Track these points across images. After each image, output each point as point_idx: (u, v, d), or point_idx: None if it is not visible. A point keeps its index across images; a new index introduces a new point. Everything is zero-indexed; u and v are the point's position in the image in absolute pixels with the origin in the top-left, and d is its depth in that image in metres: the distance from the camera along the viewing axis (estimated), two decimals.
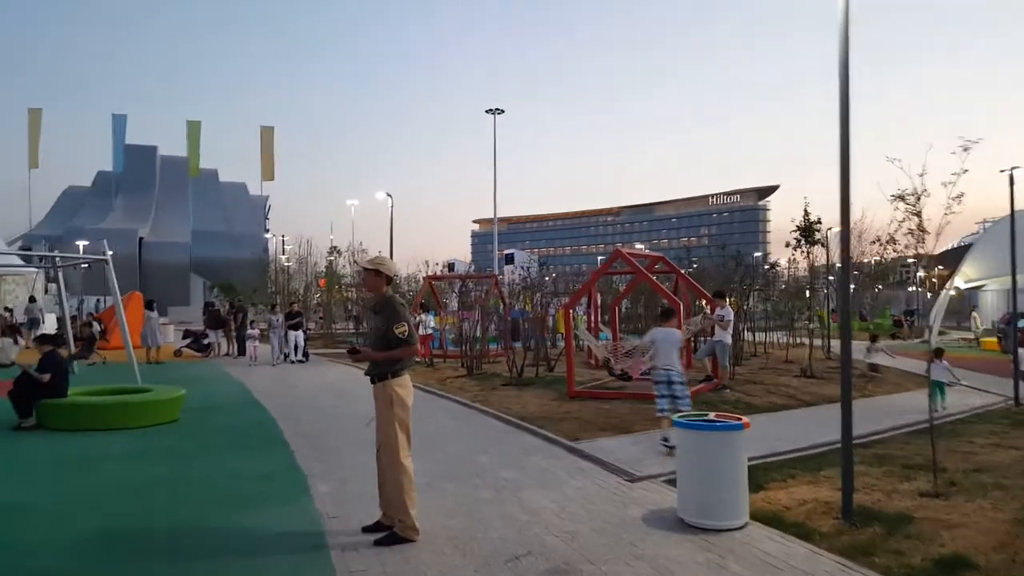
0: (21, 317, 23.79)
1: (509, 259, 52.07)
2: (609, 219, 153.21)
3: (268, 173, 59.05)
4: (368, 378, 4.88)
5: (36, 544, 4.66)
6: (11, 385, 8.84)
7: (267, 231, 63.45)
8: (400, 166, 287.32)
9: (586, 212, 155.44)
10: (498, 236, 59.31)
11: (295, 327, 17.99)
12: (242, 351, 19.58)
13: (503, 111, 52.31)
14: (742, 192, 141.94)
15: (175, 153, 62.92)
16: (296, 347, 17.86)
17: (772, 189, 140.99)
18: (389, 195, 19.18)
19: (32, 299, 24.29)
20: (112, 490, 6.03)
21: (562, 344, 14.74)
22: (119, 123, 55.20)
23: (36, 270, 26.01)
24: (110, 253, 12.77)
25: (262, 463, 7.04)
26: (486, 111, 51.48)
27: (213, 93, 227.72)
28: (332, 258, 29.13)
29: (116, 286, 12.72)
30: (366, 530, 4.87)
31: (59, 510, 5.43)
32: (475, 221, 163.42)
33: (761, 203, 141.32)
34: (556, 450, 7.55)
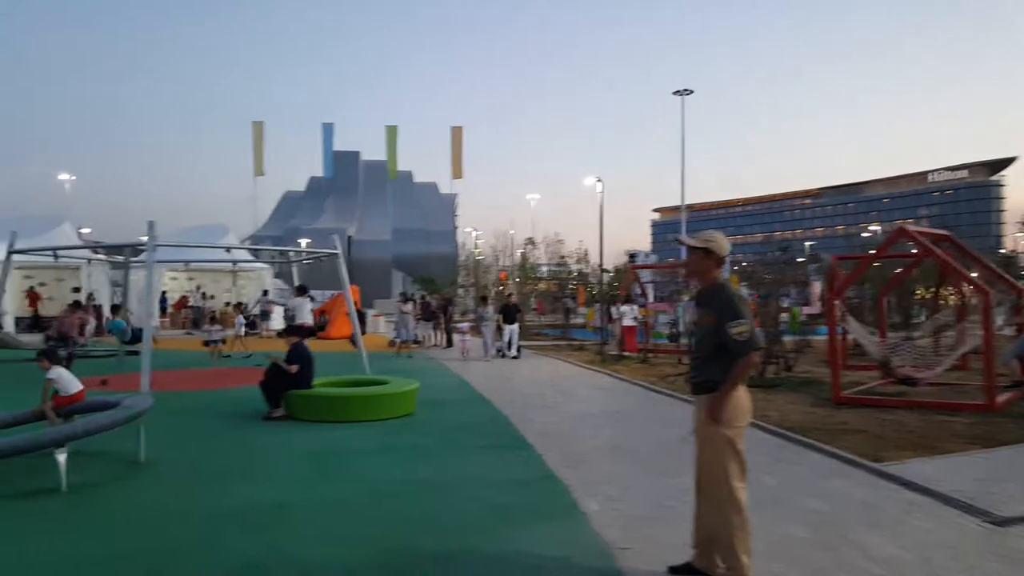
0: (255, 310, 26.13)
1: None
2: (807, 201, 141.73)
3: (458, 171, 61.11)
4: (683, 386, 3.94)
5: (298, 558, 4.27)
6: (263, 375, 9.07)
7: (456, 227, 65.92)
8: (577, 158, 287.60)
9: (779, 195, 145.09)
10: (679, 223, 57.06)
11: (510, 320, 17.10)
12: (450, 343, 19.79)
13: (691, 91, 49.85)
14: (970, 166, 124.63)
15: (374, 157, 67.33)
16: (511, 342, 17.14)
17: (1007, 162, 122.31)
18: (599, 179, 18.33)
19: (264, 292, 26.62)
20: (366, 493, 5.66)
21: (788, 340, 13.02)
22: (327, 131, 60.00)
23: (266, 266, 28.47)
24: (339, 249, 13.14)
25: (513, 468, 6.43)
26: (673, 93, 49.34)
27: (406, 98, 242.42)
28: (526, 249, 28.95)
29: (346, 279, 13.07)
30: (675, 572, 3.95)
31: (317, 516, 5.09)
32: (655, 210, 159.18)
33: (994, 178, 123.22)
34: (859, 473, 6.16)
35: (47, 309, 25.94)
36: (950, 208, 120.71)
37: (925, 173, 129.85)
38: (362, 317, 18.39)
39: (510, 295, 18.87)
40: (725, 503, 3.68)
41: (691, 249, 3.87)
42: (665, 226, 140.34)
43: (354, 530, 4.76)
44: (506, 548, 4.41)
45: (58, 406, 6.90)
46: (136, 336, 14.06)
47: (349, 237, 55.44)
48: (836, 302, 10.38)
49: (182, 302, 29.47)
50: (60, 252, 14.26)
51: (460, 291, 27.37)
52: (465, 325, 17.52)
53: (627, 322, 17.67)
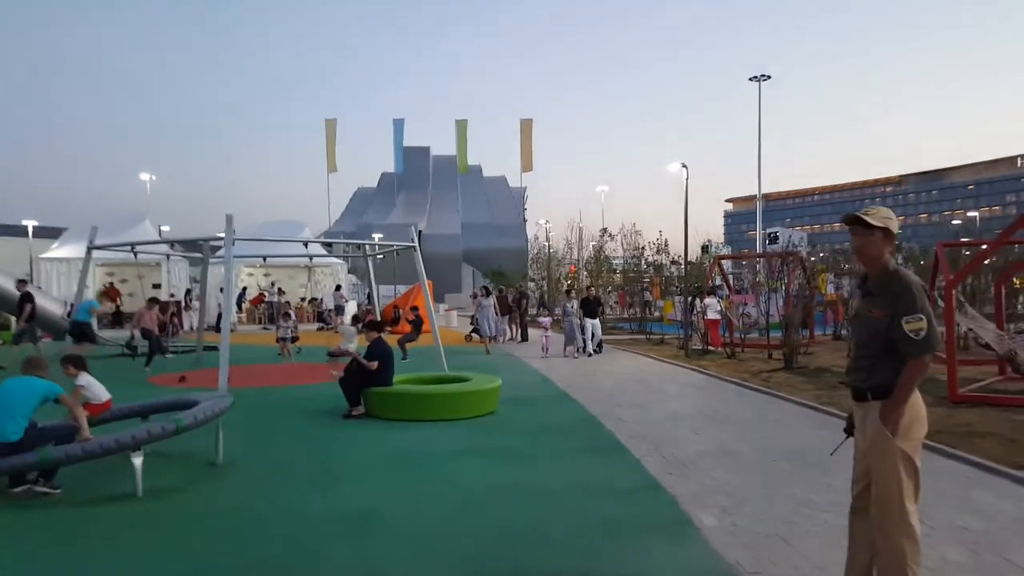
0: (329, 304, 26.36)
1: (773, 238, 47.52)
2: (888, 189, 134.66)
3: (527, 164, 60.61)
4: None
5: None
6: (343, 372, 8.79)
7: (525, 220, 65.49)
8: (648, 148, 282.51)
9: (858, 183, 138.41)
10: (753, 214, 54.70)
11: (591, 315, 15.99)
12: (525, 337, 19.32)
13: (769, 77, 47.80)
14: None
15: (444, 152, 67.61)
16: (593, 335, 15.99)
17: None
18: (684, 166, 17.47)
19: (338, 287, 26.82)
20: (460, 500, 5.21)
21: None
22: (398, 127, 60.49)
23: (340, 261, 28.74)
24: (416, 241, 12.83)
25: (614, 474, 5.86)
26: (750, 79, 47.43)
27: (476, 92, 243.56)
28: (601, 241, 28.04)
29: (423, 270, 12.77)
30: None
31: (409, 526, 4.67)
32: (728, 200, 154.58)
33: None
34: (1002, 483, 5.40)
35: (128, 305, 26.88)
36: None
37: (1014, 158, 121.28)
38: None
39: (590, 287, 17.86)
40: (896, 528, 3.03)
41: (868, 227, 3.19)
42: (738, 216, 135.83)
43: (451, 544, 4.31)
44: (621, 571, 3.86)
45: (91, 415, 6.32)
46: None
47: (420, 232, 55.86)
48: (953, 291, 9.34)
49: (259, 298, 30.09)
50: (139, 248, 14.50)
51: (531, 284, 26.84)
52: (547, 320, 16.51)
53: (711, 315, 16.75)
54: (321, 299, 28.53)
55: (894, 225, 3.19)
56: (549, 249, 33.74)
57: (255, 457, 6.58)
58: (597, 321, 16.26)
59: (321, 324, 25.57)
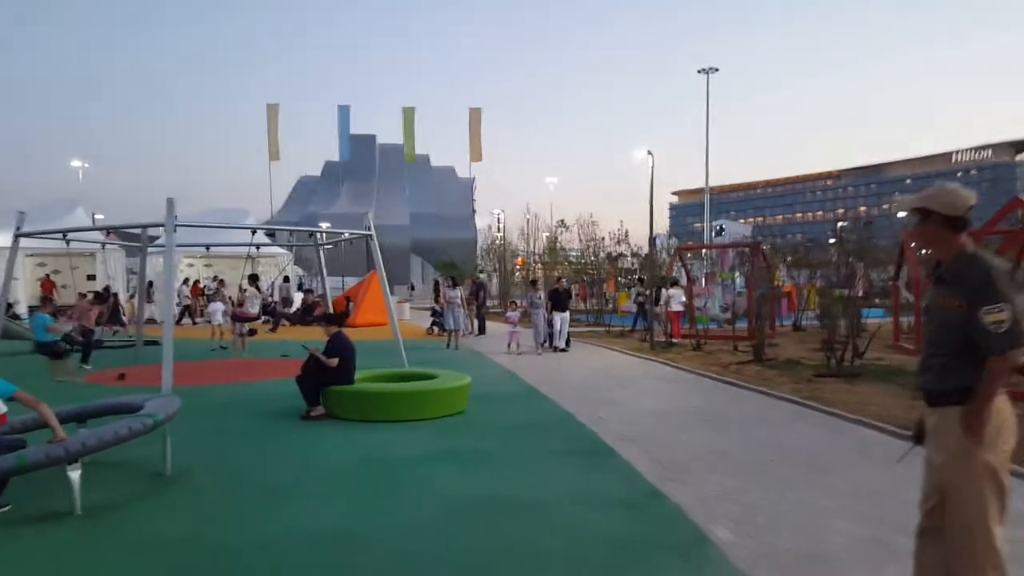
0: (275, 296, 25.24)
1: (719, 231, 48.27)
2: (827, 183, 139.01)
3: (476, 154, 59.86)
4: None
5: None
6: (300, 370, 8.11)
7: (475, 211, 64.86)
8: (594, 139, 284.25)
9: (800, 177, 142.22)
10: (699, 206, 55.39)
11: (560, 308, 14.89)
12: (482, 330, 18.83)
13: (717, 70, 48.37)
14: (994, 146, 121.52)
15: (390, 141, 66.27)
16: (560, 331, 14.89)
17: None
18: (650, 152, 17.23)
19: (286, 279, 25.73)
20: (442, 515, 4.68)
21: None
22: (343, 114, 58.83)
23: (285, 251, 27.57)
24: (372, 230, 12.13)
25: (607, 481, 5.42)
26: (698, 71, 47.87)
27: (422, 80, 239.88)
28: (556, 232, 27.63)
29: (380, 259, 12.12)
30: None
31: (391, 547, 4.12)
32: (673, 193, 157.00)
33: (1019, 158, 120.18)
34: None
35: (63, 298, 25.22)
36: (974, 188, 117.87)
37: (949, 154, 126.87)
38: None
39: (560, 279, 17.03)
40: (979, 554, 2.66)
41: (922, 214, 2.80)
42: (684, 209, 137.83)
43: (444, 569, 3.78)
44: None
45: None
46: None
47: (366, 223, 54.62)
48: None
49: (196, 289, 28.66)
50: (71, 236, 13.36)
51: (482, 276, 26.29)
52: (514, 314, 15.13)
53: (675, 307, 16.54)
54: (270, 290, 27.35)
55: (951, 207, 2.78)
56: (504, 240, 33.24)
57: (207, 467, 5.90)
58: (566, 315, 15.23)
59: (267, 317, 24.49)
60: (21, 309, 22.78)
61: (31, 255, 24.20)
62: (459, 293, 15.86)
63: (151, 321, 20.30)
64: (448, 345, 15.30)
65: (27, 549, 4.15)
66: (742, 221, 78.33)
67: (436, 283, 39.28)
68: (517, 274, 29.19)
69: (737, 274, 19.13)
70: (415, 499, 5.03)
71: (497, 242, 35.48)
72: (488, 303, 23.55)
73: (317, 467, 5.94)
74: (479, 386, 9.19)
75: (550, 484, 5.33)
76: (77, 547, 4.19)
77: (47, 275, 25.93)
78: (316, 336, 14.62)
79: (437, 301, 34.64)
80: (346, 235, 14.23)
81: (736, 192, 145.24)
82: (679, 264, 18.86)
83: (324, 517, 4.66)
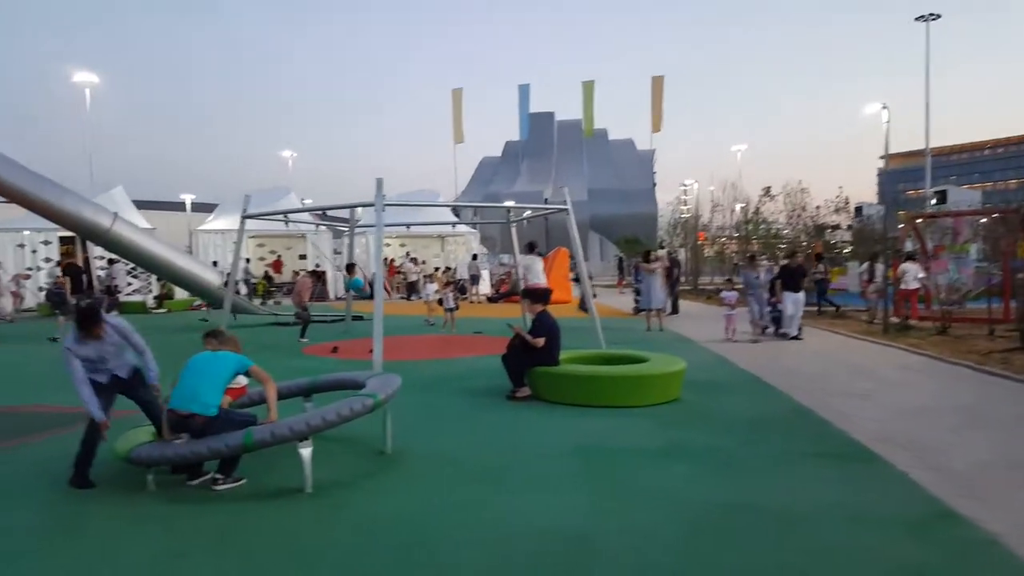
0: (464, 273, 25.94)
1: (941, 198, 42.41)
2: None
3: (657, 124, 57.82)
4: None
5: None
6: (506, 349, 7.88)
7: (655, 184, 62.84)
8: (788, 103, 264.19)
9: None
10: (912, 171, 48.98)
11: (794, 287, 12.51)
12: (676, 309, 17.85)
13: (938, 16, 42.30)
14: None
15: (569, 116, 65.97)
16: (793, 316, 12.58)
17: None
18: (885, 106, 15.19)
19: (474, 256, 26.36)
20: (688, 524, 4.08)
21: None
22: (523, 93, 59.44)
23: (473, 231, 28.27)
24: (569, 204, 11.69)
25: (876, 493, 4.51)
26: (916, 18, 42.16)
27: (600, 52, 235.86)
28: (760, 201, 25.23)
29: (576, 236, 11.69)
30: None
31: (632, 556, 3.62)
32: (881, 157, 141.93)
33: None
34: None
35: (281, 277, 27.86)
36: None
37: None
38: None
39: (795, 254, 14.25)
40: None
41: None
42: (894, 175, 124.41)
43: None
44: None
45: (231, 399, 5.95)
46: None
47: (545, 199, 54.91)
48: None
49: (392, 268, 30.30)
50: (289, 219, 14.43)
51: (673, 253, 25.02)
52: (731, 294, 12.99)
53: (911, 284, 14.42)
54: (455, 269, 28.26)
55: None
56: (695, 213, 31.49)
57: (423, 447, 5.79)
58: (800, 296, 12.71)
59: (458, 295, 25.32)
60: (243, 287, 25.31)
61: (252, 236, 26.83)
62: (658, 269, 14.58)
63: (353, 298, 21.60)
64: (648, 327, 14.27)
65: (263, 525, 4.17)
66: (966, 187, 68.72)
67: (620, 260, 38.49)
68: (708, 250, 27.51)
69: (973, 247, 16.45)
70: (647, 501, 4.48)
71: (685, 215, 33.79)
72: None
73: (530, 453, 5.60)
74: (688, 371, 8.45)
75: (806, 494, 4.53)
76: (310, 525, 4.14)
77: (279, 256, 28.81)
78: (507, 314, 14.71)
79: (621, 280, 33.99)
80: (547, 211, 13.79)
81: (960, 154, 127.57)
82: (914, 235, 16.49)
83: (548, 513, 4.27)
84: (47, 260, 22.23)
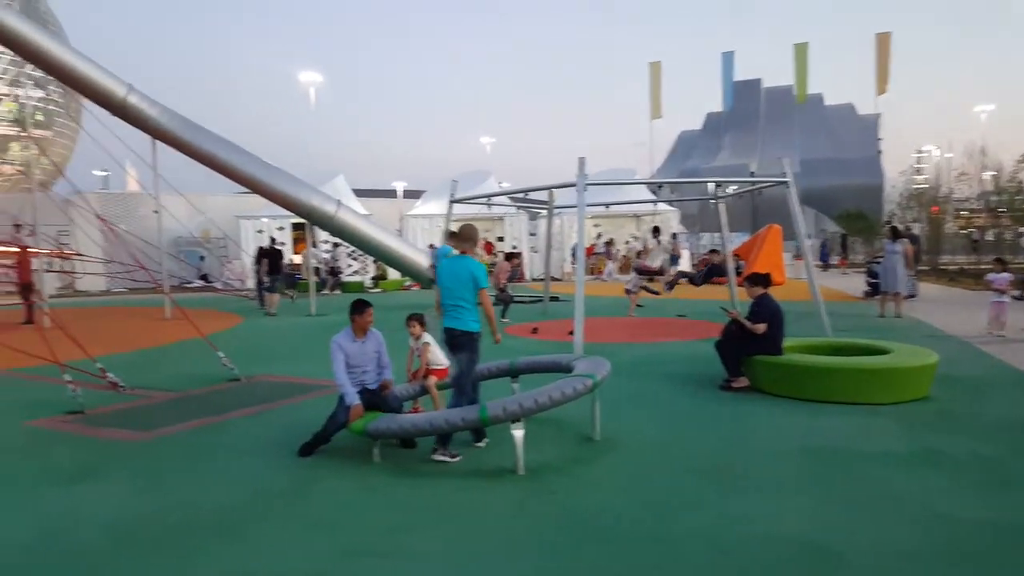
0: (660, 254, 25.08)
1: None
2: None
3: (882, 86, 51.80)
4: None
5: None
6: (721, 334, 7.32)
7: (880, 152, 56.48)
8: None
9: None
10: None
11: None
12: (914, 292, 15.79)
13: None
14: None
15: (777, 83, 61.35)
16: None
17: None
18: None
19: (674, 236, 25.40)
20: (948, 543, 3.44)
21: None
22: (727, 61, 56.17)
23: (673, 209, 27.20)
24: (790, 176, 10.67)
25: None
26: None
27: (813, 11, 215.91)
28: (1017, 168, 21.49)
29: (798, 210, 10.67)
30: None
31: None
32: None
33: None
34: None
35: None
36: None
37: None
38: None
39: None
40: None
41: None
42: None
43: None
44: None
45: (438, 379, 6.02)
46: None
47: (752, 173, 51.78)
48: None
49: (590, 249, 30.21)
50: (492, 201, 14.80)
51: (911, 229, 22.09)
52: (1002, 277, 10.62)
53: None
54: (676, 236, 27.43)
55: None
56: (936, 182, 27.60)
57: (632, 435, 5.52)
58: None
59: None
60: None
61: (454, 220, 28.08)
62: (901, 248, 12.78)
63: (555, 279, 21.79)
64: (882, 313, 12.67)
65: (477, 504, 4.18)
66: None
67: (843, 237, 34.87)
68: (951, 224, 24.00)
69: None
70: (900, 515, 3.84)
71: (921, 186, 29.81)
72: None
73: (752, 450, 5.10)
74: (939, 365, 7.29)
75: None
76: (520, 508, 4.08)
77: (486, 241, 29.94)
78: (714, 296, 13.90)
79: (844, 259, 30.80)
80: (763, 183, 12.76)
81: None
82: None
83: (780, 520, 3.80)
84: (281, 244, 25.04)
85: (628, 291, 14.30)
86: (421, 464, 4.92)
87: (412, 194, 43.35)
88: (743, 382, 6.98)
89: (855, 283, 19.01)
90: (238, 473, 4.84)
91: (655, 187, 28.06)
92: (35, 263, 14.91)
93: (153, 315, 15.63)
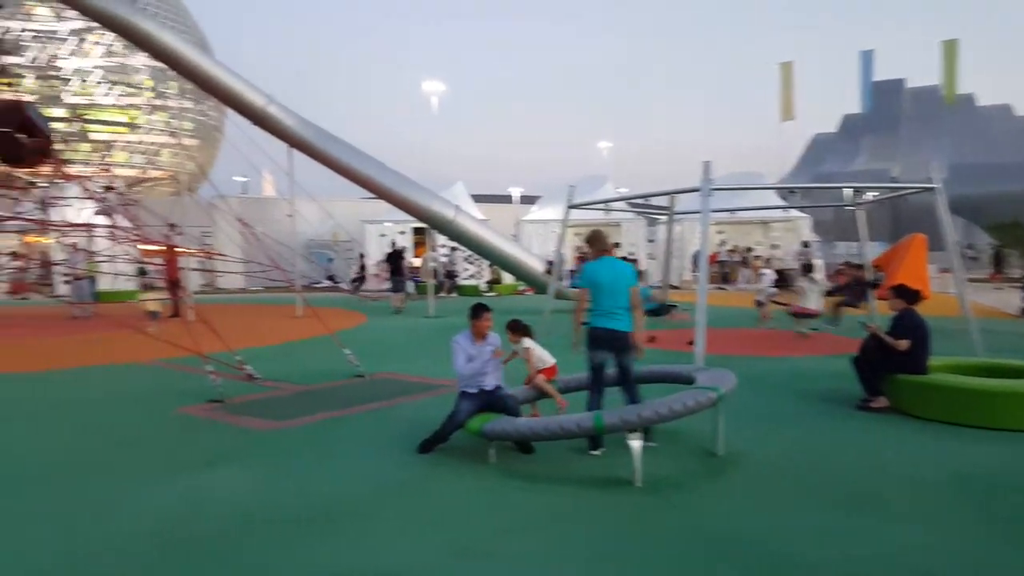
0: (791, 263, 23.83)
1: None
2: None
3: None
4: None
5: None
6: (859, 350, 6.80)
7: None
8: None
9: None
10: None
11: None
12: None
13: None
14: None
15: (921, 83, 56.98)
16: None
17: None
18: None
19: (805, 244, 24.07)
20: None
21: None
22: (866, 60, 52.60)
23: (803, 215, 25.78)
24: (939, 182, 9.79)
25: None
26: None
27: (963, 5, 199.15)
28: None
29: (948, 219, 9.78)
30: None
31: None
32: None
33: None
34: None
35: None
36: None
37: None
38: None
39: None
40: None
41: None
42: None
43: None
44: None
45: (547, 377, 5.92)
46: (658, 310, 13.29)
47: (893, 178, 48.26)
48: None
49: (714, 256, 29.17)
50: (604, 207, 14.59)
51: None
52: None
53: None
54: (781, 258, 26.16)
55: None
56: None
57: (759, 453, 5.21)
58: None
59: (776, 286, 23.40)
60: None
61: (569, 225, 27.97)
62: None
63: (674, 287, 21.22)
64: None
65: (592, 514, 4.07)
66: None
67: (998, 250, 31.67)
68: None
69: None
70: None
71: None
72: None
73: (892, 477, 4.67)
74: None
75: None
76: (636, 522, 3.93)
77: (580, 250, 29.69)
78: (849, 309, 12.95)
79: (997, 274, 27.93)
80: (908, 190, 11.73)
81: None
82: None
83: (931, 555, 3.43)
84: (402, 247, 25.93)
85: (759, 303, 13.62)
86: (536, 468, 4.88)
87: (528, 199, 43.74)
88: (882, 402, 6.43)
89: (1010, 299, 17.21)
90: (359, 466, 4.99)
91: (785, 192, 26.82)
92: (182, 261, 16.26)
93: (285, 312, 16.61)
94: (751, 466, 4.93)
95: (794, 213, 25.27)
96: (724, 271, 27.06)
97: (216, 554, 3.59)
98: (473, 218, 17.60)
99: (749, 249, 27.23)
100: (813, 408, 6.66)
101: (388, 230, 26.15)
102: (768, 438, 5.63)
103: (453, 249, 23.60)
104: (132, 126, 46.00)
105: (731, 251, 28.23)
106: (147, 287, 15.83)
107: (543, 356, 5.96)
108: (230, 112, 16.12)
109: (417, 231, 25.95)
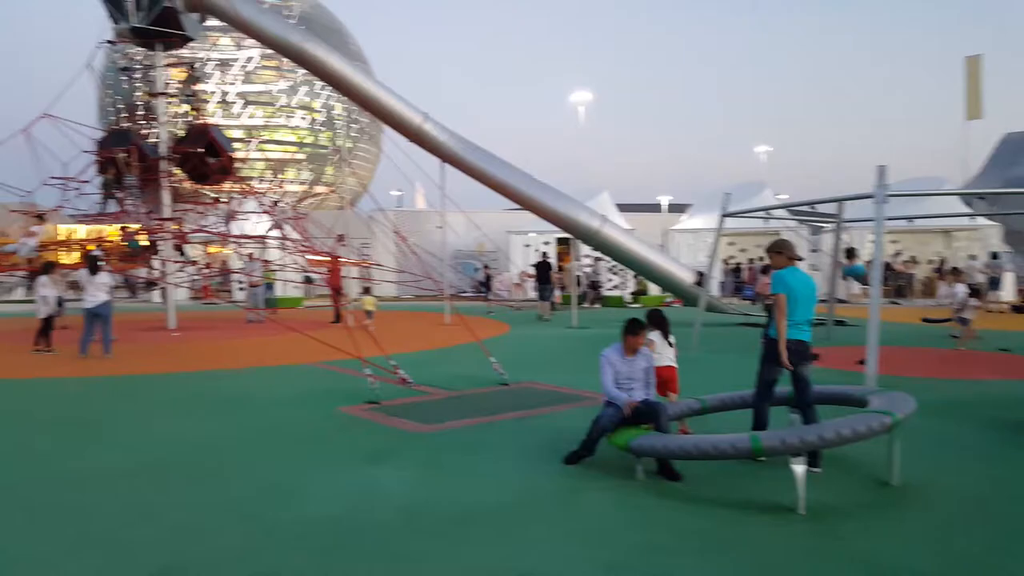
0: (977, 276, 21.33)
1: None
2: None
3: None
4: None
5: None
6: None
7: None
8: None
9: None
10: None
11: None
12: None
13: None
14: None
15: None
16: None
17: None
18: None
19: (995, 255, 21.50)
20: None
21: None
22: None
23: (993, 223, 23.04)
24: None
25: None
26: None
27: None
28: None
29: None
30: None
31: None
32: None
33: None
34: None
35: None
36: None
37: None
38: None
39: None
40: None
41: None
42: None
43: None
44: None
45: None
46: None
47: None
48: None
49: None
50: (765, 215, 13.80)
51: None
52: None
53: None
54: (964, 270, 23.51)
55: None
56: None
57: (939, 483, 4.68)
58: None
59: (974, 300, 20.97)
60: (713, 285, 25.44)
61: (723, 234, 26.84)
62: None
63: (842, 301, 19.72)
64: None
65: (749, 541, 3.81)
66: None
67: None
68: None
69: None
70: None
71: None
72: None
73: None
74: None
75: None
76: (800, 553, 3.63)
77: (751, 263, 28.37)
78: None
79: None
80: None
81: None
82: None
83: None
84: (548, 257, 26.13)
85: (962, 320, 12.09)
86: (688, 487, 4.65)
87: (677, 208, 42.57)
88: None
89: None
90: (506, 473, 5.01)
91: (972, 198, 24.06)
92: (344, 270, 17.35)
93: (434, 320, 17.23)
94: (929, 497, 4.43)
95: (981, 221, 22.64)
96: (899, 284, 24.76)
97: (382, 543, 3.80)
98: (619, 228, 17.36)
99: (944, 260, 24.71)
100: (1004, 437, 5.91)
101: (532, 240, 26.44)
102: (950, 469, 5.02)
103: (597, 259, 23.41)
104: (301, 145, 50.04)
105: (907, 263, 25.78)
106: (366, 291, 17.10)
107: (663, 352, 5.85)
108: (387, 128, 17.04)
109: (561, 241, 26.03)
